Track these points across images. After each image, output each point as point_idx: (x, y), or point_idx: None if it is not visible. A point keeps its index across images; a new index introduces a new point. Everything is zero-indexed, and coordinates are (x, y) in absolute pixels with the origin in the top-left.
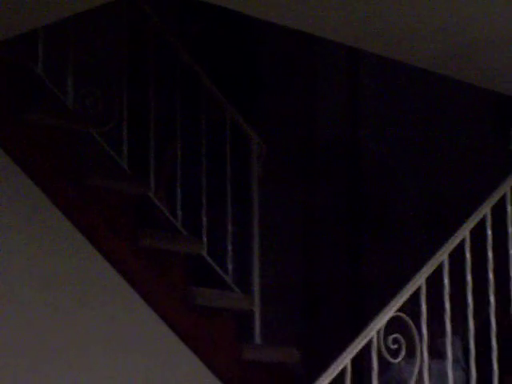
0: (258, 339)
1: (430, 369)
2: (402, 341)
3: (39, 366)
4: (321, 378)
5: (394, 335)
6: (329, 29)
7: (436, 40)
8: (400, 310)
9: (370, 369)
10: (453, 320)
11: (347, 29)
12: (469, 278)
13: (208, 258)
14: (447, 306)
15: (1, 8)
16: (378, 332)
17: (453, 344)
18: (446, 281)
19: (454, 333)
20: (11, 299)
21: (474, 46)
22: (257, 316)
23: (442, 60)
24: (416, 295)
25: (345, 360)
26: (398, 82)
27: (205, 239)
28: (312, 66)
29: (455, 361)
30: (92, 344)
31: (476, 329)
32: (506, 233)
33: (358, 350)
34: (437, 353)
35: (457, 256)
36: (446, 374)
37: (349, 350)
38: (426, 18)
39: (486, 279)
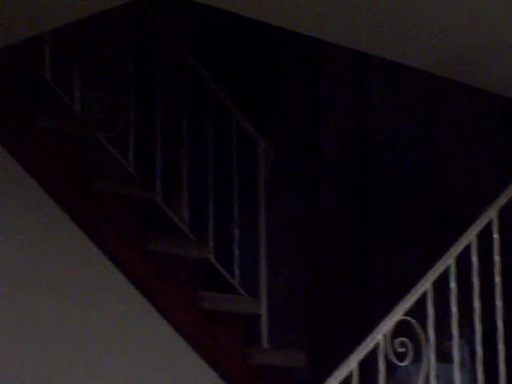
0: (265, 343)
1: (436, 372)
2: (409, 344)
3: (45, 369)
4: (328, 381)
5: (401, 338)
6: (334, 32)
7: (442, 43)
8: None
9: (376, 372)
10: (459, 323)
11: (353, 33)
12: (476, 281)
13: (215, 262)
14: (454, 309)
15: (7, 13)
16: (385, 335)
17: (460, 347)
18: (453, 284)
19: (460, 336)
20: (17, 304)
21: (481, 49)
22: (264, 320)
23: (448, 64)
24: (423, 299)
25: (352, 363)
26: (404, 85)
27: (212, 243)
28: (319, 71)
29: (462, 364)
30: (98, 347)
31: (483, 332)
32: None
33: (364, 354)
34: (444, 356)
35: (464, 259)
36: (452, 378)
37: (356, 353)
38: (432, 22)
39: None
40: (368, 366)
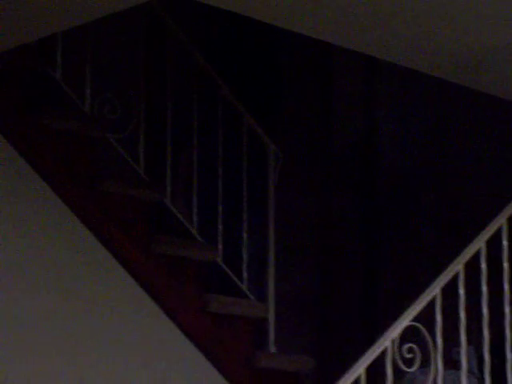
0: (272, 347)
1: (444, 379)
2: (417, 350)
3: (50, 368)
4: None
5: (409, 344)
6: (345, 37)
7: (449, 49)
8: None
9: (384, 378)
10: (468, 330)
11: (364, 38)
12: (484, 288)
13: (223, 266)
14: (462, 316)
15: (20, 13)
16: (393, 341)
17: (467, 354)
18: (462, 291)
19: (468, 343)
20: (24, 305)
21: (487, 54)
22: (271, 324)
23: (456, 69)
24: (431, 305)
25: (359, 369)
26: (415, 88)
27: (220, 246)
28: (329, 74)
29: (469, 371)
30: (104, 348)
31: (491, 339)
32: None
33: (372, 359)
34: (451, 363)
35: (473, 266)
36: None
37: (363, 358)
38: (440, 27)
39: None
40: (375, 370)
